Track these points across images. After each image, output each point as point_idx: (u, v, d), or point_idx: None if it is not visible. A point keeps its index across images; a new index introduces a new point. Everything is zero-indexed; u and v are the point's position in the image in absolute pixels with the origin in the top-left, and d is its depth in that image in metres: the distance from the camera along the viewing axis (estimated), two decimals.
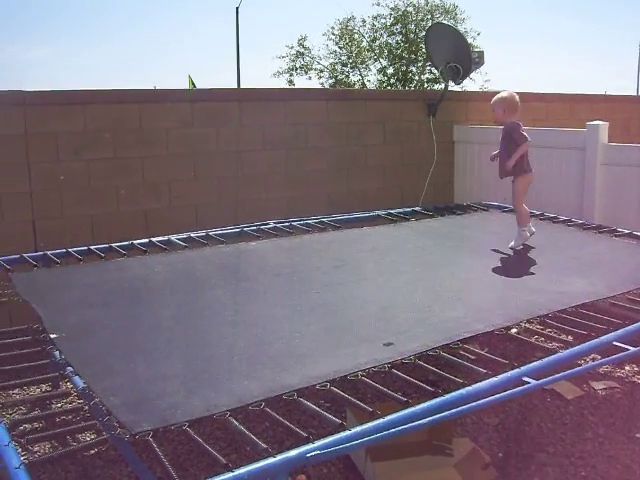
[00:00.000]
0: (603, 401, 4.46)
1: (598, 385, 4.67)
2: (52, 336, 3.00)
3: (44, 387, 4.07)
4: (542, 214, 5.90)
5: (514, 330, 3.38)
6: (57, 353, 2.90)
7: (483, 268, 4.36)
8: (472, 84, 31.25)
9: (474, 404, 2.57)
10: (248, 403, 2.43)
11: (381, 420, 2.34)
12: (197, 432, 2.28)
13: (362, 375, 2.71)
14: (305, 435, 2.22)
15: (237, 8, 33.49)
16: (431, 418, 2.40)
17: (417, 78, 31.18)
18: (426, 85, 29.78)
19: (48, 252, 4.30)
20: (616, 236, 5.26)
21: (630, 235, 5.22)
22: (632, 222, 5.57)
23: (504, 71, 72.23)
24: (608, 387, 4.67)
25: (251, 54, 63.45)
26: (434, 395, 2.57)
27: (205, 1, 71.21)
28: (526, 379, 2.78)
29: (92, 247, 4.45)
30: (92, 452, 3.41)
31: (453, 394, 2.58)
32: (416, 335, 3.16)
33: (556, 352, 3.04)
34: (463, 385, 2.66)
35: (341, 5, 65.96)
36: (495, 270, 4.33)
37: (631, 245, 5.00)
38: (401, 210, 6.06)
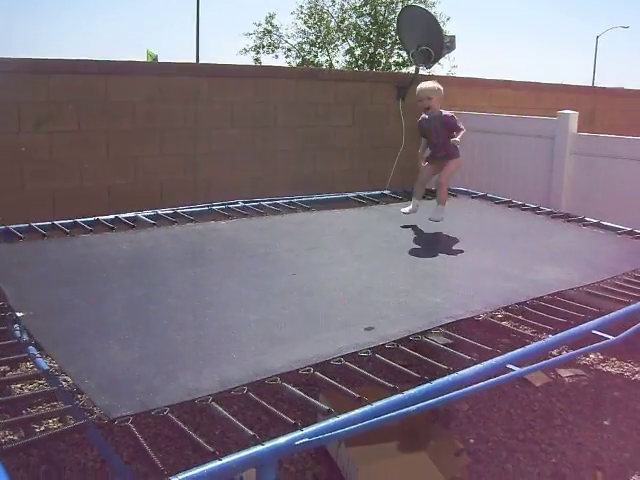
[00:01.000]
0: (570, 389, 4.49)
1: (565, 373, 4.69)
2: (18, 314, 2.85)
3: (6, 369, 3.89)
4: (510, 201, 5.89)
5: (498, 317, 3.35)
6: (22, 333, 2.75)
7: (457, 254, 4.33)
8: (440, 69, 31.19)
9: (461, 391, 2.52)
10: (230, 388, 2.34)
11: (369, 407, 2.27)
12: (177, 418, 2.18)
13: (345, 360, 2.63)
14: (292, 422, 2.14)
15: None
16: (420, 405, 2.34)
17: (384, 61, 30.98)
18: (394, 68, 29.61)
19: (10, 226, 4.11)
20: (584, 225, 5.27)
21: (598, 225, 5.24)
22: (599, 212, 5.59)
23: (471, 58, 72.67)
24: (575, 375, 4.70)
25: (212, 32, 62.52)
26: (420, 381, 2.51)
27: None
28: (510, 366, 2.74)
29: (56, 222, 4.27)
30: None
31: (440, 381, 2.52)
32: (397, 320, 3.10)
33: (537, 340, 3.02)
34: (448, 372, 2.61)
35: None
36: (469, 256, 4.29)
37: (600, 234, 5.02)
38: (370, 193, 5.98)
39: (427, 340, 2.92)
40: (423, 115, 4.83)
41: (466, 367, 2.67)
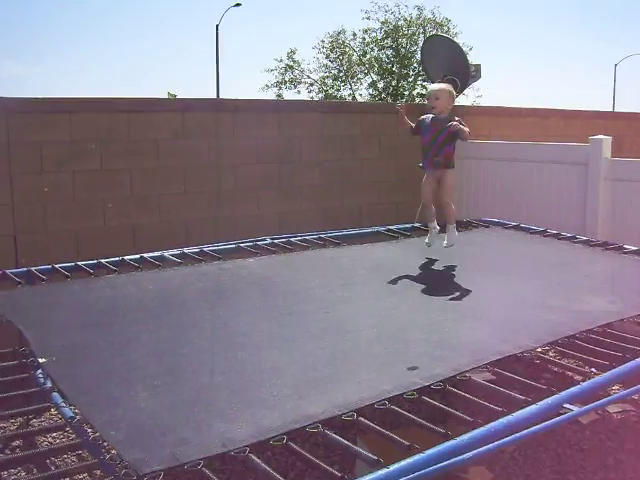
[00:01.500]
0: (620, 425, 4.24)
1: (613, 408, 4.44)
2: (40, 360, 2.69)
3: (29, 418, 3.74)
4: (545, 230, 5.68)
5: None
6: (46, 379, 2.59)
7: (496, 286, 4.13)
8: (464, 99, 31.03)
9: (518, 435, 2.31)
10: (269, 437, 2.15)
11: (420, 455, 2.08)
12: (212, 472, 2.00)
13: (389, 403, 2.44)
14: (339, 475, 1.94)
15: (217, 25, 33.39)
16: (476, 451, 2.14)
17: (408, 93, 30.88)
18: (417, 100, 29.47)
19: (33, 268, 3.98)
20: (624, 253, 5.06)
21: (638, 252, 5.02)
22: (636, 239, 5.39)
23: (495, 87, 72.85)
24: (623, 410, 4.45)
25: (233, 72, 63.20)
26: (473, 425, 2.31)
27: (185, 21, 70.92)
28: (567, 406, 2.53)
29: (80, 263, 4.14)
30: None
31: (495, 424, 2.32)
32: (440, 358, 2.91)
33: (593, 376, 2.81)
34: (502, 414, 2.41)
35: (333, 18, 65.77)
36: (509, 288, 4.10)
37: None
38: (400, 226, 5.81)
39: (475, 379, 2.72)
40: (426, 115, 4.66)
41: (521, 408, 2.46)
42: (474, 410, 2.51)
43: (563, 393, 2.60)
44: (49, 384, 2.55)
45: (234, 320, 3.32)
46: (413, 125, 4.71)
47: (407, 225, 5.94)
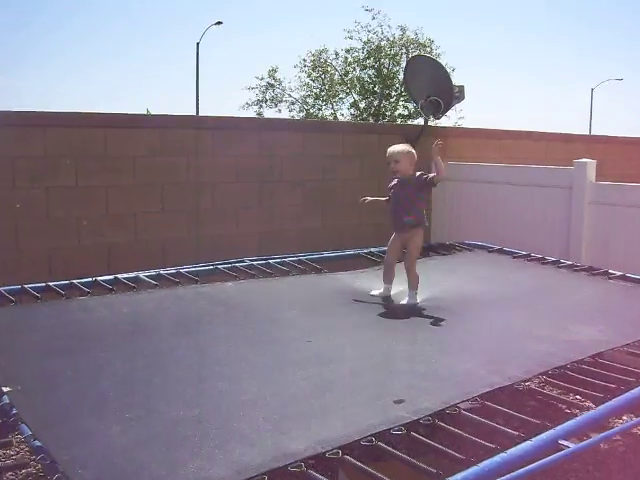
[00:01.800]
0: (607, 455, 4.12)
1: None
2: (4, 389, 2.52)
3: None
4: (529, 254, 5.59)
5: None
6: (11, 410, 2.41)
7: (482, 315, 4.01)
8: (446, 120, 31.04)
9: (514, 475, 2.17)
10: (248, 477, 2.00)
11: None
12: None
13: (376, 440, 2.30)
14: None
15: (197, 43, 33.34)
16: None
17: (389, 114, 30.79)
18: (399, 121, 29.39)
19: (1, 289, 3.80)
20: (610, 278, 4.97)
21: (624, 277, 4.95)
22: (621, 263, 5.33)
23: (475, 109, 73.41)
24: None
25: (213, 90, 62.89)
26: (465, 464, 2.18)
27: (167, 38, 70.76)
28: (563, 442, 2.40)
29: (51, 284, 3.97)
30: None
31: (488, 463, 2.18)
32: (427, 390, 2.77)
33: (587, 409, 2.69)
34: (496, 451, 2.28)
35: (313, 36, 65.80)
36: (496, 316, 3.98)
37: (628, 288, 4.73)
38: (382, 249, 5.67)
39: (465, 413, 2.59)
40: (393, 180, 4.41)
41: (515, 444, 2.33)
42: (465, 446, 2.38)
43: (558, 428, 2.47)
44: (12, 415, 2.37)
45: (212, 348, 3.16)
46: (387, 198, 4.51)
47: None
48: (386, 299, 4.33)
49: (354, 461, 2.18)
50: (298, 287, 4.46)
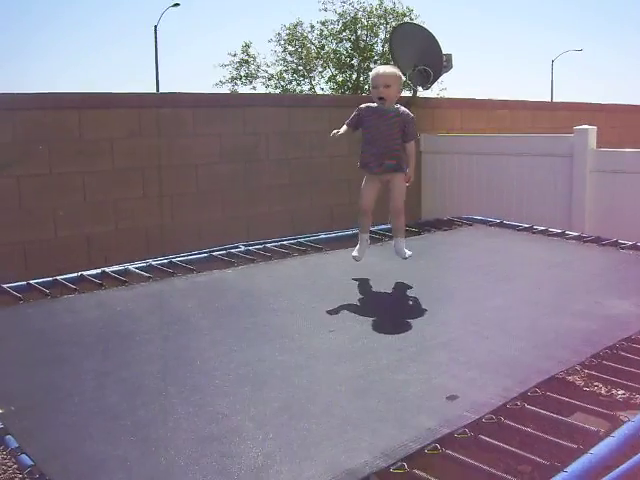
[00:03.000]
0: None
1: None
2: None
3: None
4: (532, 227, 5.31)
5: None
6: (9, 439, 2.02)
7: (506, 292, 3.71)
8: (428, 91, 30.34)
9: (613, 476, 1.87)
10: None
11: None
12: None
13: (440, 446, 1.98)
14: None
15: (155, 27, 32.49)
16: None
17: (367, 87, 30.04)
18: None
19: None
20: (622, 249, 4.72)
21: (635, 247, 4.70)
22: (625, 232, 5.09)
23: (458, 79, 73.23)
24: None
25: (182, 70, 61.49)
26: (552, 470, 1.86)
27: (122, 23, 69.08)
28: None
29: (33, 282, 3.56)
30: None
31: (576, 466, 1.87)
32: (476, 382, 2.46)
33: None
34: (578, 451, 1.97)
35: (292, 11, 64.69)
36: (520, 295, 3.68)
37: None
38: (380, 227, 5.35)
39: (529, 407, 2.27)
40: (370, 104, 3.69)
41: (597, 443, 2.02)
42: (539, 446, 2.07)
43: (637, 420, 2.17)
44: (13, 444, 1.98)
45: (226, 347, 2.79)
46: (347, 122, 3.76)
47: (386, 226, 5.50)
48: (388, 265, 4.01)
49: (421, 473, 1.85)
50: (302, 269, 4.10)
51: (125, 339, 2.84)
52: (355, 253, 3.82)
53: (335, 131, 3.68)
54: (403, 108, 3.69)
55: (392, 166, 3.68)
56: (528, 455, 1.98)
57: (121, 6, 68.13)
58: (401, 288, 3.75)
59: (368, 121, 3.67)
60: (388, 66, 3.78)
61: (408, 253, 3.82)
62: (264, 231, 5.40)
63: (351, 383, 2.42)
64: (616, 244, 4.81)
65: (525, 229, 5.32)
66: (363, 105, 3.72)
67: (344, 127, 3.72)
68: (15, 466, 2.31)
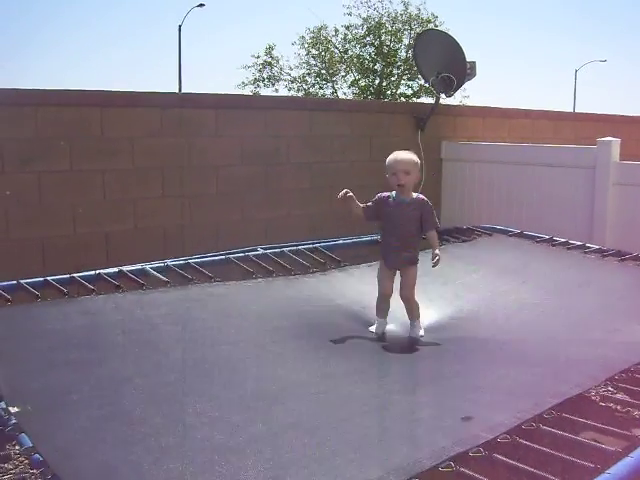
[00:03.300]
0: None
1: None
2: (12, 410, 2.14)
3: None
4: (552, 238, 5.25)
5: None
6: (23, 437, 2.02)
7: (522, 319, 3.63)
8: (451, 99, 30.14)
9: None
10: None
11: None
12: None
13: (454, 464, 1.96)
14: None
15: (179, 26, 32.60)
16: None
17: (390, 92, 29.96)
18: (402, 100, 28.62)
19: None
20: None
21: None
22: None
23: (480, 87, 72.98)
24: None
25: (206, 72, 61.64)
26: None
27: (147, 24, 69.46)
28: None
29: (50, 279, 3.57)
30: None
31: None
32: (493, 404, 2.45)
33: None
34: (596, 471, 1.95)
35: (311, 10, 64.56)
36: (536, 321, 3.62)
37: None
38: None
39: (545, 428, 2.25)
40: (388, 193, 3.54)
41: (615, 462, 2.00)
42: (555, 466, 2.05)
43: None
44: (28, 443, 1.98)
45: (244, 361, 2.78)
46: (365, 206, 3.58)
47: None
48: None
49: None
50: (322, 284, 4.04)
51: (142, 346, 2.83)
52: (373, 329, 3.50)
53: (346, 190, 3.51)
54: (421, 196, 3.52)
55: (407, 258, 3.51)
56: (544, 474, 1.96)
57: (146, 4, 68.57)
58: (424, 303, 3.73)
59: (386, 211, 3.51)
60: (406, 152, 3.56)
61: (421, 334, 3.48)
62: (283, 234, 5.39)
63: (366, 403, 2.42)
64: (637, 258, 4.74)
65: (545, 241, 5.26)
66: (380, 195, 3.58)
67: (360, 207, 3.55)
68: (27, 461, 2.35)
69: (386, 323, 3.54)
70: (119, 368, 2.58)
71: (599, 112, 9.35)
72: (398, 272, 3.55)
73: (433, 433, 2.16)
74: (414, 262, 3.52)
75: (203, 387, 2.46)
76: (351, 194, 3.48)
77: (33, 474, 2.29)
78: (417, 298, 3.66)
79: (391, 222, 3.51)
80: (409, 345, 3.19)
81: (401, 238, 3.49)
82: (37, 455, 1.92)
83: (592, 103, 66.94)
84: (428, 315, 3.63)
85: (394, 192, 3.51)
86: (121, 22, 65.64)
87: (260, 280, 3.94)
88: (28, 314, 3.12)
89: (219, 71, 67.37)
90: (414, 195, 3.51)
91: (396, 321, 3.48)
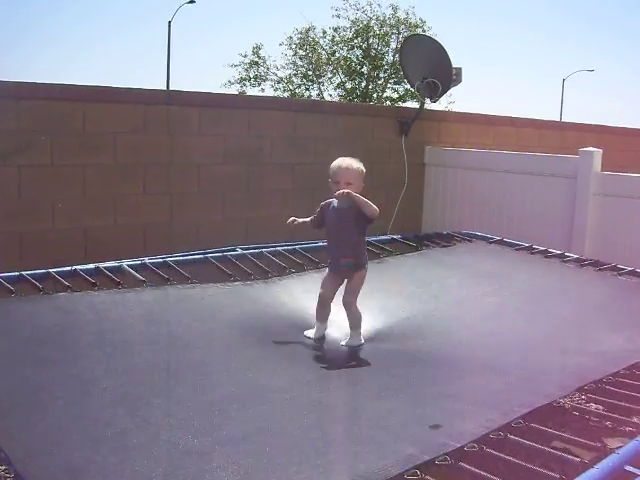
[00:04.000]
0: None
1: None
2: None
3: None
4: (532, 246, 5.29)
5: None
6: None
7: (497, 325, 3.66)
8: (436, 104, 30.17)
9: None
10: None
11: None
12: None
13: (420, 472, 1.97)
14: None
15: (169, 22, 32.44)
16: None
17: (376, 96, 29.93)
18: (387, 104, 28.58)
19: None
20: (620, 274, 4.69)
21: (634, 273, 4.67)
22: (627, 257, 5.09)
23: (467, 93, 73.12)
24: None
25: (191, 69, 61.40)
26: None
27: (136, 18, 68.97)
28: (630, 469, 2.10)
29: (25, 273, 3.55)
30: None
31: None
32: (463, 413, 2.47)
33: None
34: None
35: (302, 13, 64.40)
36: (512, 327, 3.65)
37: None
38: (378, 238, 5.34)
39: (512, 437, 2.26)
40: (330, 201, 3.49)
41: (579, 473, 2.02)
42: (521, 475, 2.06)
43: (622, 453, 2.17)
44: None
45: (215, 364, 2.78)
46: (312, 217, 3.57)
47: (385, 237, 5.49)
48: (384, 286, 3.83)
49: None
50: (300, 286, 4.05)
51: (115, 346, 2.82)
52: (309, 334, 3.40)
53: (292, 219, 3.50)
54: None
55: (350, 265, 3.42)
56: None
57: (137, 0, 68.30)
58: (392, 313, 3.72)
59: (326, 218, 3.49)
60: (352, 160, 3.48)
61: (345, 343, 3.35)
62: (263, 235, 5.38)
63: (335, 409, 2.43)
64: (615, 269, 4.78)
65: (525, 248, 5.30)
66: (323, 203, 3.54)
67: (307, 219, 3.57)
68: None
69: (325, 328, 3.44)
70: (89, 367, 2.57)
71: (585, 122, 9.42)
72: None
73: (400, 440, 2.17)
74: (356, 269, 3.43)
75: (173, 389, 2.45)
76: (296, 219, 3.49)
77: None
78: (390, 299, 3.66)
79: (331, 228, 3.48)
80: (382, 352, 3.17)
81: (339, 244, 3.44)
82: (2, 453, 1.90)
83: (579, 113, 67.32)
84: (401, 318, 3.64)
85: (335, 200, 3.45)
86: (111, 18, 65.24)
87: (237, 283, 3.93)
88: (1, 310, 3.09)
89: (207, 69, 67.15)
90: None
91: (369, 330, 3.46)
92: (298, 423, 2.27)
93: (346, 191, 3.25)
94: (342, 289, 3.47)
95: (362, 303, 3.66)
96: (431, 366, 3.00)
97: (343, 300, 3.45)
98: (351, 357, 3.02)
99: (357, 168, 3.43)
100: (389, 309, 3.78)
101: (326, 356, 3.02)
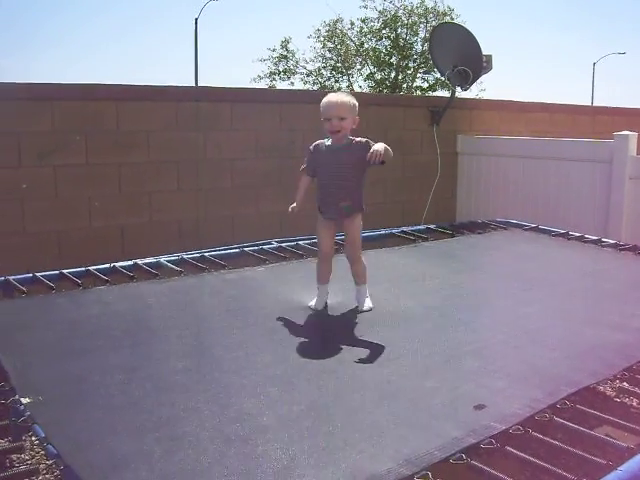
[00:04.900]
0: None
1: None
2: (24, 401, 2.16)
3: None
4: (568, 233, 5.22)
5: None
6: (37, 428, 2.04)
7: (540, 301, 3.62)
8: (467, 92, 29.87)
9: None
10: None
11: None
12: None
13: (465, 456, 1.95)
14: None
15: (196, 19, 32.62)
16: None
17: (406, 86, 29.77)
18: (417, 93, 28.44)
19: (10, 277, 3.44)
20: None
21: None
22: None
23: (497, 80, 72.52)
24: None
25: (221, 65, 61.63)
26: None
27: (165, 17, 69.48)
28: None
29: (65, 271, 3.60)
30: None
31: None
32: (505, 392, 2.42)
33: None
34: (608, 467, 1.93)
35: (329, 4, 64.25)
36: (554, 302, 3.61)
37: None
38: (415, 228, 5.33)
39: (557, 419, 2.23)
40: (321, 141, 3.31)
41: (627, 459, 1.98)
42: (567, 460, 2.03)
43: None
44: (41, 434, 2.00)
45: (255, 346, 2.79)
46: (304, 167, 3.39)
47: (420, 227, 5.47)
48: (421, 268, 3.83)
49: None
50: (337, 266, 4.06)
51: (154, 334, 2.85)
52: (313, 304, 3.29)
53: (291, 208, 3.36)
54: (358, 138, 3.21)
55: (348, 208, 3.23)
56: (555, 469, 1.94)
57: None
58: (432, 292, 3.71)
59: (319, 160, 3.27)
60: (342, 94, 3.29)
61: (368, 305, 3.30)
62: (297, 228, 5.38)
63: (378, 388, 2.41)
64: None
65: (560, 235, 5.24)
66: (314, 144, 3.34)
67: (303, 180, 3.37)
68: (43, 452, 2.36)
69: (327, 292, 3.31)
70: (130, 356, 2.60)
71: (617, 105, 9.25)
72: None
73: (444, 423, 2.14)
74: (355, 213, 3.25)
75: (213, 375, 2.46)
76: (293, 204, 3.36)
77: (47, 465, 2.32)
78: (433, 279, 3.62)
79: (325, 170, 3.24)
80: (420, 326, 3.13)
81: (337, 186, 3.20)
82: (51, 446, 1.92)
83: (611, 96, 66.26)
84: (443, 296, 3.64)
85: (328, 139, 3.26)
86: (136, 15, 65.81)
87: (272, 265, 4.01)
88: (42, 305, 3.14)
89: (235, 64, 67.43)
90: (355, 139, 3.21)
91: (409, 309, 3.44)
92: (341, 406, 2.26)
93: (380, 151, 3.00)
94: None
95: (400, 284, 3.68)
96: (473, 341, 2.96)
97: (346, 254, 3.36)
98: (389, 337, 2.98)
99: (349, 101, 3.18)
100: (428, 289, 3.78)
101: (363, 335, 2.98)
